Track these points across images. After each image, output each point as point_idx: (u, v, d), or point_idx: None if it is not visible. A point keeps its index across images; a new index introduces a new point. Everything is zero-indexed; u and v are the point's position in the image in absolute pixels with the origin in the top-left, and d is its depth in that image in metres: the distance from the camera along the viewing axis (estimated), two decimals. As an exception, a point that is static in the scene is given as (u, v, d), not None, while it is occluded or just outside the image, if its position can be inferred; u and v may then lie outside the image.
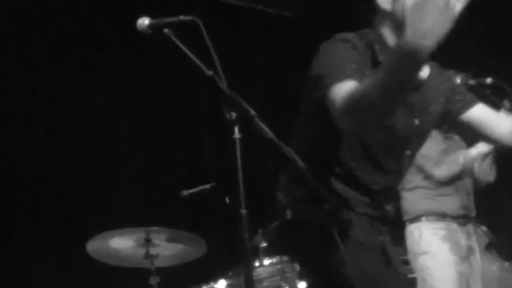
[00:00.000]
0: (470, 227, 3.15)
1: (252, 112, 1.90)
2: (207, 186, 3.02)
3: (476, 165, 3.17)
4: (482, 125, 2.04)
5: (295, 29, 4.77)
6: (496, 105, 2.90)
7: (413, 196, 3.11)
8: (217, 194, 2.98)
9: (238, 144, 1.87)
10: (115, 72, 3.92)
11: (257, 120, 1.90)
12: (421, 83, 1.96)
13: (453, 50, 3.02)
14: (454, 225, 3.08)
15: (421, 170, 3.07)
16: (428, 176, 3.06)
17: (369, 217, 1.98)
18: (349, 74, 1.76)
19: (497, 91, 2.89)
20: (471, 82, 2.94)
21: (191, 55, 1.99)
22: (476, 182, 3.21)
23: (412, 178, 3.10)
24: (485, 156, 3.08)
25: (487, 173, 3.18)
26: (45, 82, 3.81)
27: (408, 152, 1.98)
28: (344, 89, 1.71)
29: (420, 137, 2.01)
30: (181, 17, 2.04)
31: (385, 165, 1.94)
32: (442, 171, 3.00)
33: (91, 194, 3.81)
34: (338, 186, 1.96)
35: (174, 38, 2.00)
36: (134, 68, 4.02)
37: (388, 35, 1.92)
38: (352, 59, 1.81)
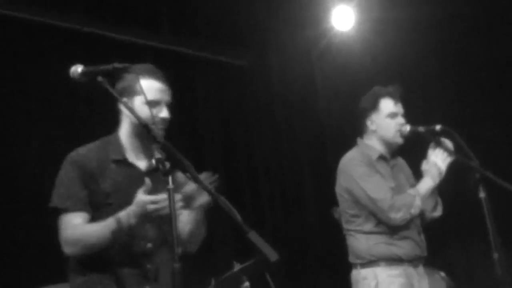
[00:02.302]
0: (421, 268, 3.04)
1: (187, 162, 1.87)
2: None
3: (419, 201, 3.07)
4: None
5: (248, 79, 4.82)
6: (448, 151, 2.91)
7: (367, 239, 2.96)
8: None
9: (171, 194, 1.83)
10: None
11: (192, 170, 1.89)
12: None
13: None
14: (410, 269, 2.97)
15: (374, 215, 2.97)
16: (383, 222, 2.96)
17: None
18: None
19: (447, 137, 2.88)
20: (421, 129, 2.92)
21: (127, 106, 2.01)
22: (421, 218, 3.11)
23: (362, 222, 2.96)
24: (430, 190, 2.96)
25: (431, 207, 3.09)
26: None
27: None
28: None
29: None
30: (115, 65, 2.00)
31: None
32: (398, 216, 2.87)
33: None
34: None
35: (107, 86, 1.97)
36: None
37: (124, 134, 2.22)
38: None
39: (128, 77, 2.19)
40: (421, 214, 3.02)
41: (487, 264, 2.64)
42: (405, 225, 2.93)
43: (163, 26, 4.38)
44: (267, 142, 4.91)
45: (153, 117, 2.11)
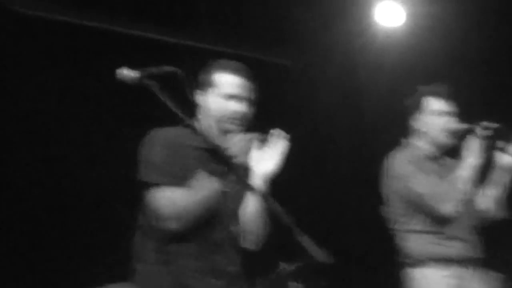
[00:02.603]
0: (474, 270, 2.98)
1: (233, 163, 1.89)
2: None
3: (481, 198, 2.99)
4: None
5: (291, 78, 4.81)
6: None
7: (416, 239, 2.93)
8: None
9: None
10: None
11: (239, 171, 1.94)
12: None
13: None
14: (460, 270, 2.91)
15: (422, 211, 2.90)
16: (432, 218, 2.91)
17: None
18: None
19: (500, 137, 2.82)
20: (477, 129, 2.85)
21: (172, 106, 1.99)
22: (481, 218, 3.04)
23: (410, 221, 2.94)
24: (495, 188, 2.91)
25: (494, 207, 3.01)
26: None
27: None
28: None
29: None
30: (165, 68, 2.04)
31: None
32: (448, 207, 2.80)
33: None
34: None
35: (156, 90, 1.98)
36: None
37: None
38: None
39: (207, 71, 2.24)
40: (482, 214, 2.97)
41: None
42: (454, 224, 2.88)
43: (207, 27, 4.41)
44: (308, 141, 4.89)
45: (225, 109, 2.16)
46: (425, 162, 2.96)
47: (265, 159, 2.18)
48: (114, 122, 4.00)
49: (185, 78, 2.07)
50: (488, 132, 2.82)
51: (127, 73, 2.00)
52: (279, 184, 2.22)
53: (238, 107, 2.18)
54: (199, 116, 2.25)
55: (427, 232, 2.91)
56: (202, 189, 2.03)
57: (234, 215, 2.19)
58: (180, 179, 2.07)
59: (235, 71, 2.23)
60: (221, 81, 2.20)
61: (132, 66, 2.03)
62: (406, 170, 2.91)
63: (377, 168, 3.16)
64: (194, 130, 2.01)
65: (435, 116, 2.95)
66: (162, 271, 2.06)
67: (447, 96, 2.96)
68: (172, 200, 2.04)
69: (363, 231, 4.81)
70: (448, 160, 3.08)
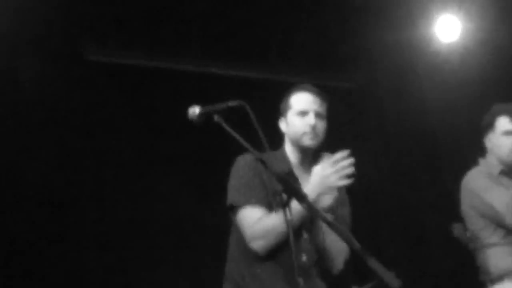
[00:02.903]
0: None
1: (303, 192, 1.93)
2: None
3: None
4: None
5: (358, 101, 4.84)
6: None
7: (495, 253, 2.91)
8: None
9: (290, 226, 1.89)
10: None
11: (308, 201, 1.93)
12: None
13: None
14: None
15: (497, 224, 2.89)
16: (507, 230, 2.87)
17: None
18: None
19: None
20: None
21: (242, 140, 2.03)
22: None
23: (490, 235, 2.93)
24: None
25: None
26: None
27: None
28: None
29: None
30: (230, 103, 2.11)
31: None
32: None
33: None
34: None
35: (225, 125, 2.04)
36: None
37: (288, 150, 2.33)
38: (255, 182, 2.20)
39: (284, 97, 2.38)
40: None
41: None
42: None
43: (272, 57, 4.50)
44: (380, 162, 4.87)
45: (300, 125, 2.26)
46: (500, 178, 2.97)
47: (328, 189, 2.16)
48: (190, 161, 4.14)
49: (250, 110, 2.14)
50: None
51: (193, 111, 2.09)
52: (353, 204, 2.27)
53: (309, 121, 2.27)
54: (285, 145, 2.37)
55: (506, 244, 2.89)
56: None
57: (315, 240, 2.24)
58: (264, 200, 2.16)
59: (305, 89, 2.34)
60: (294, 101, 2.33)
61: (204, 103, 2.12)
62: (482, 184, 2.93)
63: (448, 183, 3.15)
64: (263, 163, 2.04)
65: (504, 135, 2.96)
66: None
67: None
68: (258, 219, 2.13)
69: (441, 252, 4.72)
70: None
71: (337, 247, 2.24)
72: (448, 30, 4.61)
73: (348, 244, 1.85)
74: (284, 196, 1.92)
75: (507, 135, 2.95)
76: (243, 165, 2.25)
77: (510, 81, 4.20)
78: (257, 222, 2.13)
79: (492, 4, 4.39)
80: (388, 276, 1.72)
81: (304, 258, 2.18)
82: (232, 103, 2.12)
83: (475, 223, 2.97)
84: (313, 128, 2.26)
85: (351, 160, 2.09)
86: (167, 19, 4.05)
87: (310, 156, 2.33)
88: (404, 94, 4.98)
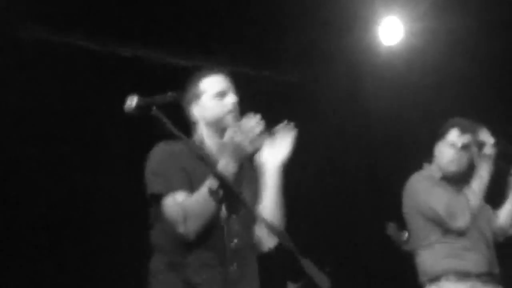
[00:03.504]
0: (494, 287, 2.99)
1: (238, 190, 1.92)
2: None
3: (500, 215, 3.10)
4: None
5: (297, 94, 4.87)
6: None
7: (431, 254, 2.99)
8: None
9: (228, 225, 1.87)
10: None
11: (243, 198, 1.96)
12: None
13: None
14: (478, 285, 2.94)
15: (435, 224, 2.99)
16: (445, 230, 2.97)
17: None
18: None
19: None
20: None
21: (181, 135, 2.00)
22: (498, 233, 3.11)
23: (428, 235, 3.01)
24: (483, 185, 2.98)
25: (509, 222, 3.10)
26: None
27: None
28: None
29: None
30: (169, 94, 2.06)
31: None
32: (459, 221, 2.91)
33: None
34: None
35: (163, 118, 2.00)
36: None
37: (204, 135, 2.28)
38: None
39: (191, 84, 2.32)
40: (499, 229, 3.04)
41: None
42: (470, 237, 2.94)
43: (213, 47, 4.46)
44: (318, 161, 4.91)
45: (223, 106, 2.24)
46: (441, 182, 3.09)
47: (276, 151, 2.26)
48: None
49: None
50: (495, 149, 2.91)
51: (130, 102, 2.04)
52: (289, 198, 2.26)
53: (232, 99, 2.26)
54: (198, 130, 2.31)
55: (444, 243, 2.97)
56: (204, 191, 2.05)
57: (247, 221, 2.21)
58: (186, 186, 2.12)
59: (215, 72, 2.33)
60: (207, 85, 2.29)
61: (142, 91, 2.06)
62: (422, 185, 3.05)
63: (383, 177, 3.23)
64: (195, 146, 2.10)
65: (449, 147, 3.08)
66: (174, 281, 2.09)
67: (470, 132, 3.05)
68: (179, 203, 2.07)
69: (375, 252, 4.80)
70: (462, 185, 3.14)
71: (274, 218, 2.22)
72: (391, 32, 4.69)
73: (281, 241, 1.83)
74: (221, 192, 1.89)
75: (452, 147, 3.08)
76: (160, 153, 2.21)
77: (451, 83, 4.32)
78: (181, 205, 2.07)
79: (435, 8, 4.49)
80: (319, 276, 1.71)
81: (235, 241, 2.11)
82: (171, 94, 2.07)
83: (415, 223, 3.07)
84: (236, 106, 2.26)
85: (261, 123, 2.11)
86: (111, 4, 3.92)
87: None
88: (346, 93, 5.04)
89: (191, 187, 2.11)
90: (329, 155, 4.94)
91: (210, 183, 2.00)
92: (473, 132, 3.07)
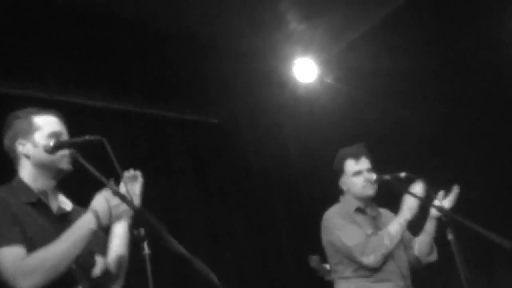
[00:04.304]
0: None
1: (161, 227, 1.90)
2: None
3: (416, 245, 3.21)
4: None
5: (220, 136, 4.95)
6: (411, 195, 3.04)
7: (347, 285, 3.10)
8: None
9: (147, 260, 1.86)
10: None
11: (167, 235, 1.89)
12: (68, 213, 2.17)
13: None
14: None
15: (350, 261, 3.09)
16: (359, 267, 3.09)
17: None
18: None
19: (412, 184, 3.00)
20: (386, 177, 3.04)
21: (96, 173, 1.99)
22: (414, 262, 3.23)
23: (344, 269, 3.11)
24: (427, 236, 3.10)
25: (427, 252, 3.21)
26: None
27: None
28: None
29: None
30: (87, 137, 2.06)
31: None
32: (370, 259, 3.01)
33: None
34: None
35: (81, 159, 2.01)
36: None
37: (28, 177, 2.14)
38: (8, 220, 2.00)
39: (20, 119, 2.17)
40: (415, 259, 3.16)
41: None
42: (385, 268, 3.04)
43: (134, 90, 4.45)
44: (243, 197, 4.96)
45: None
46: (356, 215, 3.19)
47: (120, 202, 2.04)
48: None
49: (108, 144, 2.07)
50: (407, 185, 3.02)
51: (47, 142, 2.04)
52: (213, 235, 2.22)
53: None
54: (24, 169, 2.16)
55: (358, 277, 3.07)
56: (70, 235, 1.98)
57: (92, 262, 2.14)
58: (22, 236, 1.98)
59: (48, 111, 2.21)
60: (41, 123, 2.15)
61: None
62: (336, 222, 3.13)
63: (307, 216, 3.28)
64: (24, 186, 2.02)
65: (354, 176, 3.19)
66: None
67: (362, 154, 3.19)
68: (22, 257, 1.95)
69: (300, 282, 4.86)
70: (383, 211, 3.31)
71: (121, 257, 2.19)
72: (305, 72, 4.89)
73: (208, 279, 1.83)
74: (142, 230, 1.89)
75: (357, 175, 3.19)
76: None
77: (357, 122, 4.52)
78: (21, 259, 1.94)
79: (348, 54, 4.74)
80: (210, 276, 1.77)
81: (73, 267, 2.03)
82: (89, 137, 2.06)
83: (332, 257, 3.17)
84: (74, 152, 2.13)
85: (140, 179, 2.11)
86: (26, 45, 3.83)
87: (58, 180, 2.19)
88: (264, 131, 5.16)
89: (25, 238, 1.99)
90: (250, 191, 5.01)
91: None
92: (363, 153, 3.20)
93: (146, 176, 2.23)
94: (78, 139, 2.07)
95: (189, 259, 1.85)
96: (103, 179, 1.99)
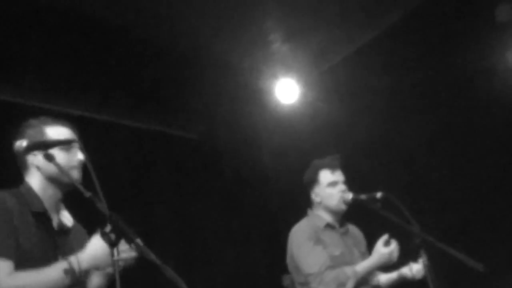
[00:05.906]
0: None
1: (133, 233, 1.88)
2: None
3: (385, 280, 3.18)
4: None
5: (198, 151, 4.92)
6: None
7: None
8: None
9: (117, 266, 1.84)
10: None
11: (138, 241, 1.88)
12: (68, 230, 2.18)
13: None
14: None
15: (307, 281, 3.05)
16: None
17: None
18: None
19: (387, 204, 3.00)
20: (363, 197, 3.03)
21: (72, 180, 1.99)
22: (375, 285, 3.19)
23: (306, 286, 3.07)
24: (369, 269, 3.03)
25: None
26: None
27: None
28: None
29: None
30: (62, 139, 2.06)
31: None
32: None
33: None
34: None
35: (55, 161, 2.00)
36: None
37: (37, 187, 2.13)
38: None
39: (33, 129, 2.15)
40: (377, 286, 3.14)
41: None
42: None
43: (114, 101, 4.43)
44: (218, 214, 4.94)
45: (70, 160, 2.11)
46: (324, 232, 3.14)
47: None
48: None
49: (83, 148, 2.09)
50: (377, 203, 2.99)
51: (20, 143, 2.02)
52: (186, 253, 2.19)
53: (79, 155, 2.13)
54: (33, 179, 2.15)
55: None
56: (53, 271, 1.97)
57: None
58: (14, 252, 1.96)
59: (60, 122, 2.20)
60: (54, 133, 2.14)
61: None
62: (301, 243, 3.07)
63: (283, 236, 3.26)
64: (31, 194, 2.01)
65: (329, 186, 3.14)
66: None
67: (340, 165, 3.17)
68: (5, 273, 1.92)
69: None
70: (352, 228, 3.29)
71: None
72: (287, 92, 4.93)
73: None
74: (113, 236, 1.86)
75: (332, 186, 3.14)
76: None
77: (338, 141, 4.55)
78: (7, 276, 1.91)
79: (327, 76, 4.79)
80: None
81: None
82: (63, 139, 2.07)
83: (297, 275, 3.11)
84: (81, 163, 2.12)
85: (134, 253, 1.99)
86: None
87: (65, 192, 2.18)
88: (243, 149, 5.15)
89: (19, 251, 1.97)
90: (227, 208, 4.98)
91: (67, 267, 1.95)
92: (338, 166, 3.17)
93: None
94: (50, 140, 2.06)
95: (161, 267, 1.83)
96: (76, 184, 1.97)
